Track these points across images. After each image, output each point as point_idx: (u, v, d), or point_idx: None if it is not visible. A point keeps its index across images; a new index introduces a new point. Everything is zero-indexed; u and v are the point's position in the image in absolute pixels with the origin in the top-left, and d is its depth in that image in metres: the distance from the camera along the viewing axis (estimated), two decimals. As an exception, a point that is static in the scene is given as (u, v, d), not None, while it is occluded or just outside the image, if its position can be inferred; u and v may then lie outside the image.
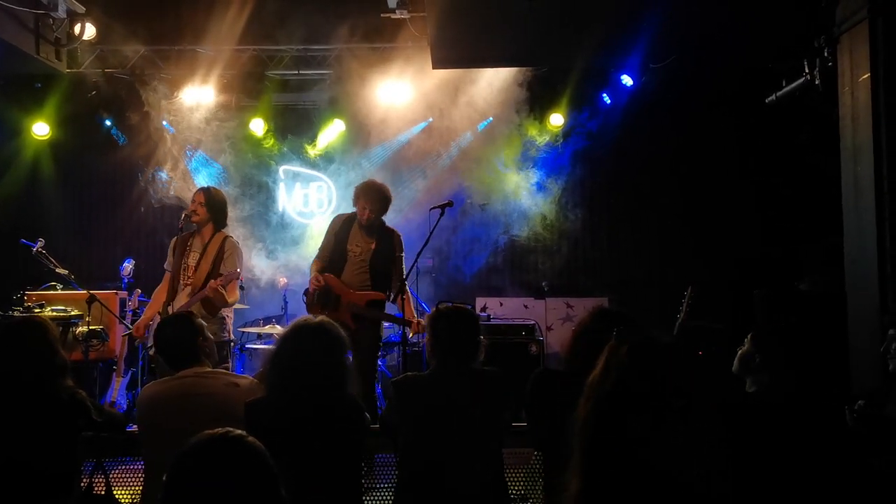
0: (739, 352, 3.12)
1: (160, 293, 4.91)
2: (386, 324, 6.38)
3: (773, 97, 5.14)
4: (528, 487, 3.69)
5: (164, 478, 1.55)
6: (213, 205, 4.91)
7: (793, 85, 4.87)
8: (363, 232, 5.00)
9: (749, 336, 3.20)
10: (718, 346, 5.79)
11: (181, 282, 4.81)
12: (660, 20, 5.34)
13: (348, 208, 6.78)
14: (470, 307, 3.15)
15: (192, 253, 4.87)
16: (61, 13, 5.90)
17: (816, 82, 4.50)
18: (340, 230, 5.03)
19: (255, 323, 6.42)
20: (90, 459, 3.16)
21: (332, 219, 5.25)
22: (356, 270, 4.96)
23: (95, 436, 2.96)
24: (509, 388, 2.90)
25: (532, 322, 6.16)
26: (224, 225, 5.05)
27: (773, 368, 3.00)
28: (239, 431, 1.59)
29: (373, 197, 4.95)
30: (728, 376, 3.61)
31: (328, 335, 2.79)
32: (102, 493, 3.15)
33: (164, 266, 5.06)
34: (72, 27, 6.15)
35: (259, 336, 6.28)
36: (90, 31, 6.25)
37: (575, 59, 6.34)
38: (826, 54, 4.40)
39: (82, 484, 3.08)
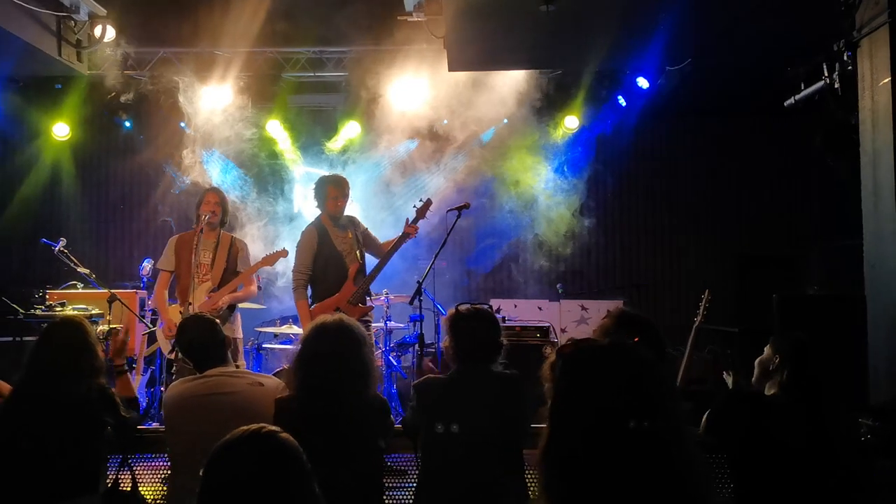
0: (758, 360, 3.12)
1: (163, 293, 5.03)
2: (401, 324, 6.45)
3: (792, 100, 5.13)
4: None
5: (200, 472, 1.58)
6: (226, 205, 5.09)
7: (811, 88, 4.85)
8: (337, 229, 5.06)
9: (769, 343, 3.20)
10: (732, 349, 5.82)
11: (196, 280, 4.90)
12: (677, 23, 5.35)
13: (363, 209, 6.86)
14: (489, 307, 3.12)
15: (204, 251, 4.95)
16: (83, 16, 5.98)
17: (836, 86, 4.49)
18: (321, 239, 5.04)
19: (271, 323, 6.46)
20: (116, 455, 3.19)
21: (301, 237, 5.14)
22: (354, 264, 5.03)
23: (120, 432, 3.00)
24: (530, 390, 2.90)
25: (547, 324, 6.17)
26: (226, 222, 5.20)
27: (793, 372, 3.00)
28: (273, 427, 1.62)
29: (343, 186, 5.08)
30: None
31: (348, 333, 2.81)
32: (128, 489, 3.19)
33: (161, 266, 5.09)
34: (92, 29, 6.22)
35: (275, 336, 6.31)
36: (110, 34, 6.32)
37: (591, 62, 6.34)
38: (846, 58, 4.39)
39: (108, 480, 3.13)
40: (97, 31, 6.23)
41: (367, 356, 2.86)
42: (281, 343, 6.25)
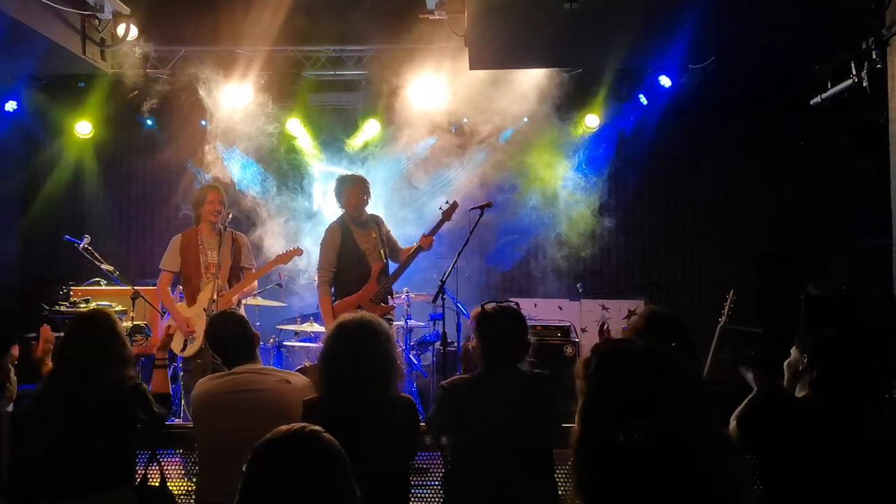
0: (786, 362, 3.08)
1: (168, 291, 5.10)
2: (421, 323, 6.46)
3: (818, 99, 5.07)
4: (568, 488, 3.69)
5: (243, 468, 1.58)
6: (225, 200, 5.17)
7: (839, 87, 4.79)
8: (359, 227, 5.08)
9: (795, 344, 3.16)
10: (755, 349, 5.77)
11: (202, 279, 4.98)
12: (701, 20, 5.30)
13: (385, 207, 6.87)
14: (515, 305, 3.09)
15: (210, 251, 5.02)
16: (107, 14, 6.02)
17: (864, 84, 4.43)
18: (344, 237, 5.06)
19: (292, 321, 6.49)
20: (145, 450, 3.22)
21: (325, 235, 5.20)
22: (377, 263, 5.04)
23: (150, 428, 3.02)
24: (558, 389, 2.89)
25: (568, 323, 6.15)
26: (227, 220, 5.22)
27: (822, 371, 2.97)
28: (315, 427, 1.62)
29: (363, 185, 5.11)
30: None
31: (370, 330, 2.79)
32: (157, 484, 3.21)
33: (167, 266, 5.11)
34: (115, 28, 6.27)
35: (296, 333, 6.34)
36: (133, 33, 6.37)
37: (613, 60, 6.30)
38: (874, 56, 4.33)
39: (137, 475, 3.15)
40: (120, 29, 6.28)
41: (390, 353, 2.84)
42: (301, 340, 6.27)
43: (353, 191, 5.09)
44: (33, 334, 5.88)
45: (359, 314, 2.93)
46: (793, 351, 3.18)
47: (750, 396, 2.91)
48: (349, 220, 5.11)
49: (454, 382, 2.88)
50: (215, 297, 4.82)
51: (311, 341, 6.18)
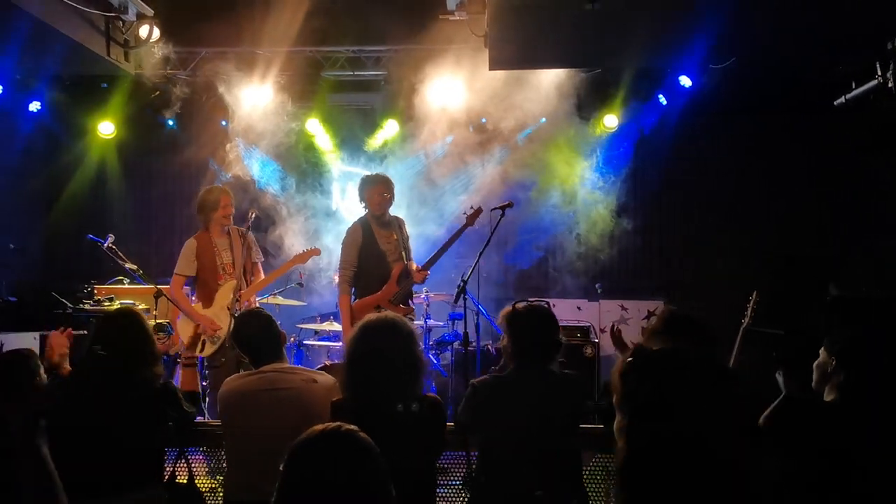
0: (815, 363, 3.06)
1: (184, 294, 5.14)
2: (441, 323, 6.48)
3: (843, 99, 5.04)
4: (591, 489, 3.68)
5: (280, 467, 1.60)
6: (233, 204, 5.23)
7: (864, 87, 4.77)
8: (381, 228, 5.10)
9: (823, 345, 3.14)
10: (777, 351, 5.72)
11: (220, 280, 5.03)
12: (723, 21, 5.28)
13: (405, 208, 6.88)
14: (546, 304, 3.08)
15: (224, 252, 5.08)
16: (131, 16, 6.08)
17: (889, 85, 4.41)
18: (365, 237, 5.09)
19: (312, 319, 6.52)
20: (173, 448, 3.25)
21: (346, 234, 5.22)
22: (398, 264, 5.06)
23: (180, 426, 3.05)
24: (588, 391, 2.88)
25: (587, 324, 6.14)
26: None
27: (850, 374, 2.94)
28: (351, 426, 1.63)
29: (386, 185, 5.12)
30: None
31: (394, 329, 2.80)
32: (185, 482, 3.24)
33: (183, 271, 5.13)
34: (137, 29, 6.32)
35: (316, 332, 6.38)
36: (155, 34, 6.43)
37: (633, 60, 6.29)
38: (901, 56, 4.31)
39: (165, 473, 3.19)
40: (143, 30, 6.33)
41: (415, 352, 2.84)
42: (321, 339, 6.31)
43: (375, 190, 5.11)
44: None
45: (383, 314, 2.94)
46: (821, 352, 3.16)
47: (777, 400, 2.89)
48: (372, 220, 5.13)
49: (484, 381, 2.87)
50: (237, 295, 4.86)
51: (330, 340, 6.21)
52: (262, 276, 5.23)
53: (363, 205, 5.17)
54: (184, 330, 5.04)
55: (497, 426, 2.77)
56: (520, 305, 2.95)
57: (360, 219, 5.22)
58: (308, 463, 1.59)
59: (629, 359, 1.56)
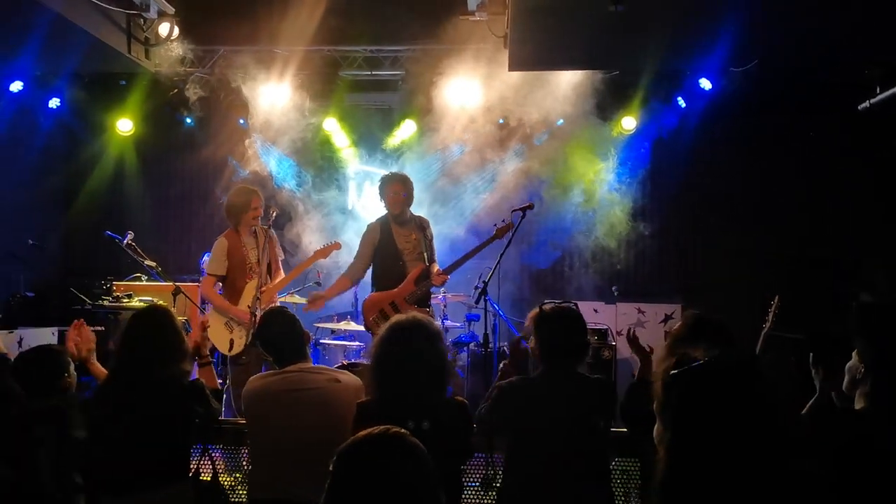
0: (847, 365, 3.04)
1: (216, 292, 5.13)
2: (458, 324, 6.47)
3: (867, 104, 5.00)
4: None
5: (330, 467, 1.59)
6: (267, 204, 5.28)
7: (890, 91, 4.73)
8: (400, 227, 5.11)
9: (855, 349, 3.12)
10: (799, 356, 5.68)
11: (248, 279, 5.04)
12: (745, 23, 5.25)
13: (427, 206, 6.89)
14: (574, 305, 3.05)
15: (251, 251, 5.10)
16: (152, 13, 6.10)
17: (916, 89, 4.37)
18: (382, 234, 5.11)
19: (328, 319, 6.52)
20: (197, 445, 3.25)
21: (365, 231, 5.27)
22: (415, 264, 5.06)
23: (206, 422, 3.05)
24: (616, 396, 2.86)
25: (604, 327, 6.12)
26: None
27: (879, 381, 2.91)
28: (401, 430, 1.62)
29: (404, 182, 5.13)
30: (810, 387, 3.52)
31: (423, 329, 2.78)
32: (208, 479, 3.25)
33: (214, 271, 5.12)
34: (157, 27, 6.34)
35: (332, 332, 6.38)
36: (175, 32, 6.45)
37: (654, 62, 6.27)
38: (929, 60, 4.27)
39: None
40: (163, 28, 6.37)
41: (443, 353, 2.83)
42: (337, 339, 6.31)
43: (391, 188, 5.13)
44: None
45: (411, 314, 2.92)
46: (854, 355, 3.13)
47: (812, 402, 2.87)
48: (391, 219, 5.14)
49: (511, 383, 2.85)
50: (258, 294, 4.87)
51: (347, 339, 6.22)
52: (283, 274, 5.24)
53: (383, 203, 5.17)
54: (219, 335, 4.99)
55: (525, 428, 2.75)
56: (547, 307, 2.92)
57: (381, 217, 5.25)
58: (357, 466, 1.57)
59: (673, 370, 1.54)
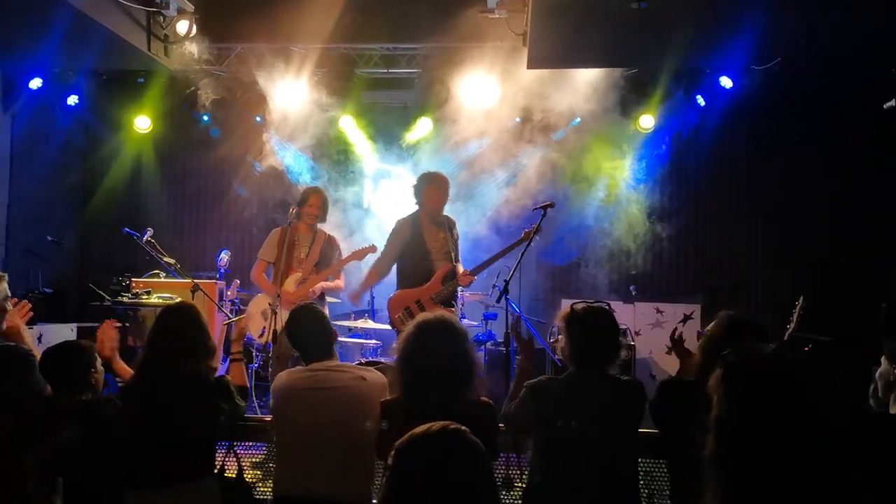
0: (878, 372, 2.99)
1: (263, 276, 5.24)
2: (476, 323, 6.44)
3: (893, 102, 4.94)
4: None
5: (389, 461, 1.57)
6: (325, 205, 5.32)
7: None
8: (433, 226, 5.10)
9: (884, 354, 3.07)
10: (826, 358, 5.62)
11: (292, 273, 5.13)
12: (768, 21, 5.20)
13: (449, 205, 6.87)
14: (607, 305, 3.01)
15: (303, 247, 5.18)
16: (172, 11, 6.11)
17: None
18: (412, 231, 5.09)
19: (345, 316, 6.51)
20: (223, 442, 3.25)
21: (395, 224, 5.25)
22: (442, 263, 5.05)
23: (232, 419, 3.04)
24: (646, 398, 2.82)
25: (624, 326, 6.07)
26: (325, 221, 5.34)
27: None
28: (460, 426, 1.60)
29: (442, 183, 5.12)
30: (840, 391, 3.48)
31: (451, 328, 2.75)
32: (233, 475, 3.24)
33: (263, 256, 5.28)
34: (175, 24, 6.35)
35: (350, 329, 6.36)
36: (194, 29, 6.45)
37: (674, 60, 6.22)
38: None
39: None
40: (182, 26, 6.36)
41: (470, 352, 2.80)
42: (353, 336, 6.29)
43: (434, 189, 5.10)
44: (94, 324, 6.05)
45: (438, 313, 2.89)
46: (883, 360, 3.09)
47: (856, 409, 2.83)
48: (424, 218, 5.14)
49: (541, 382, 2.81)
50: (278, 290, 4.87)
51: (364, 337, 6.20)
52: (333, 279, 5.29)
53: (417, 201, 5.15)
54: (256, 321, 5.22)
55: (552, 429, 2.71)
56: (578, 307, 2.87)
57: (412, 214, 5.22)
58: (417, 461, 1.55)
59: (727, 371, 1.50)
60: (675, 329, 3.36)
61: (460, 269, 5.04)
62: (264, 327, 5.09)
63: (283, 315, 4.87)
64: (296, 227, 5.17)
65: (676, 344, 3.10)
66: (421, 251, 5.04)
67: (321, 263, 5.20)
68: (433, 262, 5.03)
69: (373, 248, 5.33)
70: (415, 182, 5.24)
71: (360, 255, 5.31)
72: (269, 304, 4.82)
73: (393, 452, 1.56)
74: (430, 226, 5.11)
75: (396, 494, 1.53)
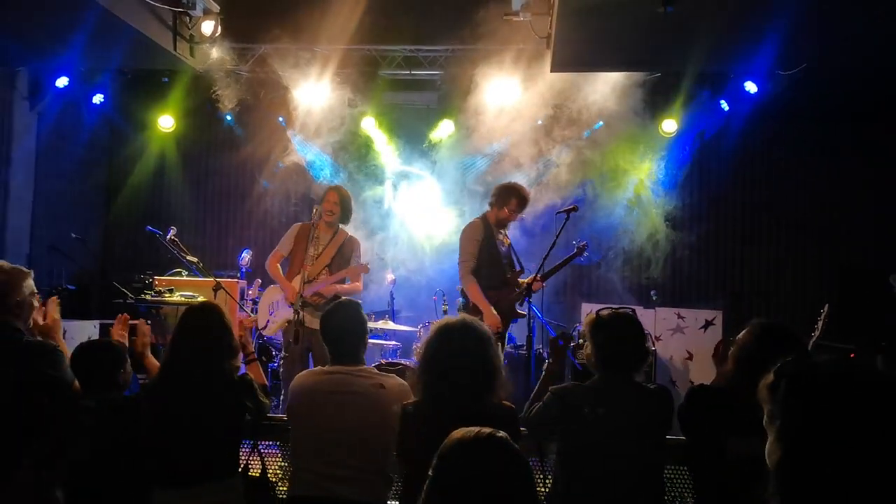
0: None
1: (277, 266, 5.26)
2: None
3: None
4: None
5: (431, 467, 1.57)
6: (345, 204, 5.24)
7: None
8: (501, 231, 5.22)
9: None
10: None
11: (304, 269, 5.05)
12: (794, 26, 5.15)
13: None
14: (632, 311, 2.99)
15: (320, 245, 5.15)
16: (198, 11, 6.16)
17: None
18: (486, 234, 5.14)
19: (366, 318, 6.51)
20: (247, 441, 3.27)
21: (468, 228, 5.23)
22: (514, 269, 5.22)
23: (256, 418, 3.05)
24: (673, 406, 2.80)
25: (645, 332, 6.02)
26: (348, 221, 5.24)
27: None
28: (503, 433, 1.60)
29: (525, 203, 5.21)
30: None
31: (475, 332, 2.73)
32: (257, 474, 3.26)
33: (279, 248, 5.29)
34: (200, 24, 6.39)
35: (371, 331, 6.37)
36: (218, 30, 6.50)
37: (698, 64, 6.18)
38: None
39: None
40: (207, 26, 6.40)
41: (494, 356, 2.79)
42: (373, 337, 6.29)
43: (517, 203, 5.15)
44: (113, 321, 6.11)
45: (460, 316, 2.89)
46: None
47: None
48: (493, 223, 5.18)
49: (566, 388, 2.81)
50: (300, 291, 4.89)
51: (383, 338, 6.21)
52: (341, 281, 5.21)
53: (491, 202, 5.19)
54: (263, 312, 5.34)
55: (577, 436, 2.70)
56: (604, 313, 2.86)
57: (482, 216, 5.28)
58: (461, 467, 1.55)
59: (784, 377, 1.45)
60: (726, 341, 3.29)
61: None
62: (269, 320, 5.18)
63: (287, 312, 4.97)
64: (318, 225, 5.16)
65: (718, 353, 3.04)
66: (494, 255, 5.14)
67: (334, 265, 5.13)
68: (504, 267, 5.15)
69: (366, 269, 5.27)
70: (503, 186, 5.27)
71: (353, 272, 5.20)
72: (290, 305, 4.83)
73: (437, 455, 1.56)
74: (498, 230, 5.21)
75: (440, 498, 1.53)
